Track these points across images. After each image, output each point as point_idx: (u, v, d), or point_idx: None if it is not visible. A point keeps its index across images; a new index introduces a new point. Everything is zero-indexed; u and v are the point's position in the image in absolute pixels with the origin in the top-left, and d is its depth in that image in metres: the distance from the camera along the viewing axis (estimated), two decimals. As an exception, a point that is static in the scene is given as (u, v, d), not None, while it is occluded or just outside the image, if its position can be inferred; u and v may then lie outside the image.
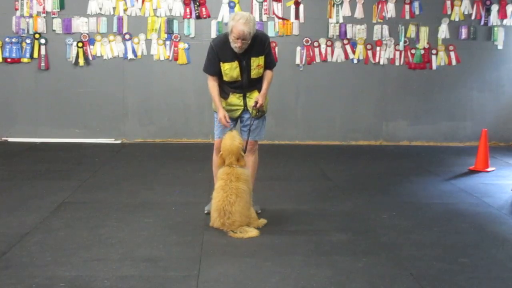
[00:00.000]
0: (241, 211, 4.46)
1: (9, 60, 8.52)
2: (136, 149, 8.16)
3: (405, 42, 8.88)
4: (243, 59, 4.71)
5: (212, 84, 4.84)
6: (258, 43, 4.73)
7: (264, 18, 8.68)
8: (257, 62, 4.75)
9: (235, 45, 4.60)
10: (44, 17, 8.48)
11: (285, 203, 5.46)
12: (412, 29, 8.88)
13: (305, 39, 8.76)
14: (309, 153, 8.14)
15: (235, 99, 4.87)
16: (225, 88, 4.87)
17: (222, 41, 4.73)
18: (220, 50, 4.71)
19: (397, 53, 8.90)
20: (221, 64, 4.74)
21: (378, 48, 8.87)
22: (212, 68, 4.79)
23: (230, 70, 4.73)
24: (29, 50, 8.49)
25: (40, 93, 8.63)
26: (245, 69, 4.74)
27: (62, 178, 6.26)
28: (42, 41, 8.47)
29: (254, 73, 4.78)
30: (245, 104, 4.88)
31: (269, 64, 4.87)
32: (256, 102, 4.76)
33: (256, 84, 4.85)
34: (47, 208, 5.07)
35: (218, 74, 4.80)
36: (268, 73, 4.88)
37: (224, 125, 4.78)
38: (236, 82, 4.80)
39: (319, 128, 8.98)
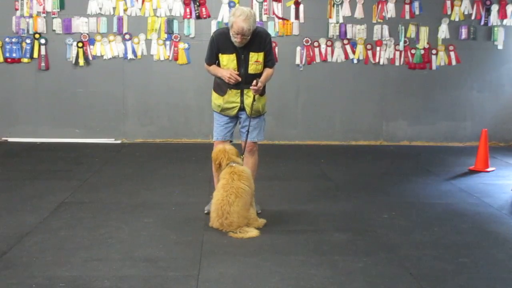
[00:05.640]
0: (239, 211, 4.45)
1: (9, 60, 8.52)
2: (136, 149, 8.16)
3: (405, 42, 8.88)
4: (242, 52, 4.77)
5: (210, 65, 4.95)
6: (259, 39, 4.79)
7: (264, 18, 8.67)
8: (255, 58, 4.79)
9: (235, 40, 4.68)
10: (44, 17, 8.48)
11: (285, 203, 5.46)
12: (412, 29, 8.87)
13: (305, 39, 8.76)
14: (309, 153, 8.14)
15: (232, 95, 4.89)
16: (223, 85, 4.89)
17: (223, 33, 4.82)
18: (220, 41, 4.80)
19: (397, 53, 8.89)
20: (220, 55, 4.82)
21: (378, 48, 8.87)
22: (209, 57, 4.91)
23: (228, 62, 4.79)
24: (29, 50, 8.48)
25: (40, 93, 8.63)
26: (242, 62, 4.79)
27: (62, 178, 6.25)
28: (42, 41, 8.47)
29: (251, 68, 4.81)
30: (242, 102, 4.89)
31: (269, 62, 4.91)
32: (256, 81, 4.73)
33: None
34: (47, 208, 5.07)
35: (214, 63, 4.90)
36: (268, 70, 4.93)
37: (235, 78, 4.73)
38: None
39: (319, 128, 8.98)
